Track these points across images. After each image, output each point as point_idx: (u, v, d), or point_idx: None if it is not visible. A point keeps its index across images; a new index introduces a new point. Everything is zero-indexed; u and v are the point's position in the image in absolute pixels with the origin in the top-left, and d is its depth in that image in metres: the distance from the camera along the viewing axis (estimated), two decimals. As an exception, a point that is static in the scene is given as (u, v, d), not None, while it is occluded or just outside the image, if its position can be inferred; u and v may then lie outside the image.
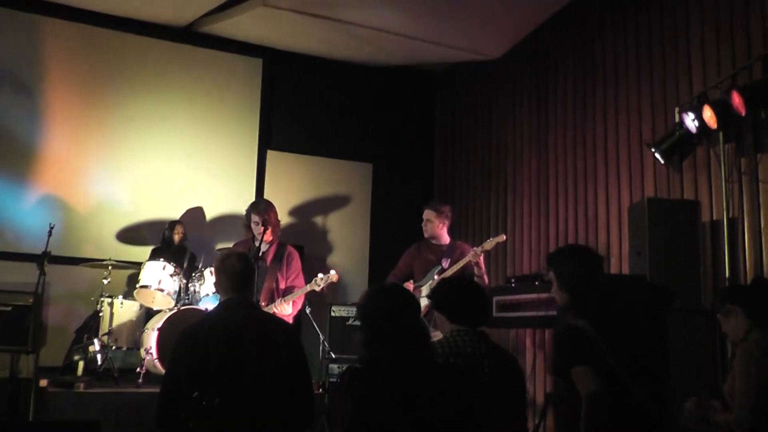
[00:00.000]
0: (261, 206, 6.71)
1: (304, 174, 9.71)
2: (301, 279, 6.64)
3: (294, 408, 3.76)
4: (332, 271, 6.45)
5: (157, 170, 8.98)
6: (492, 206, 9.16)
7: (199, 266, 7.61)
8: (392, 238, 9.20)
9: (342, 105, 9.99)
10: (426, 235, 6.85)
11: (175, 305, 7.27)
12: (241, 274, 3.99)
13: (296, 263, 6.70)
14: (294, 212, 9.54)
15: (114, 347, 7.33)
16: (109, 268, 7.52)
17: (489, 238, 6.63)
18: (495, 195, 9.13)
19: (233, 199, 9.12)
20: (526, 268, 8.38)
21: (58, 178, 8.56)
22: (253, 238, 6.68)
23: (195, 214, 9.07)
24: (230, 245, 8.07)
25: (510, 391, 3.70)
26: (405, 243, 7.39)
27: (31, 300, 7.57)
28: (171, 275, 7.34)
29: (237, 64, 9.57)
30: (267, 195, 9.20)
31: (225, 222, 9.12)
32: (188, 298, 7.32)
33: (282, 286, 6.57)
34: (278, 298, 6.47)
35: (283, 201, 9.02)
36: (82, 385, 6.41)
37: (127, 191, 8.82)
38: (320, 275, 6.42)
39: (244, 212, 6.86)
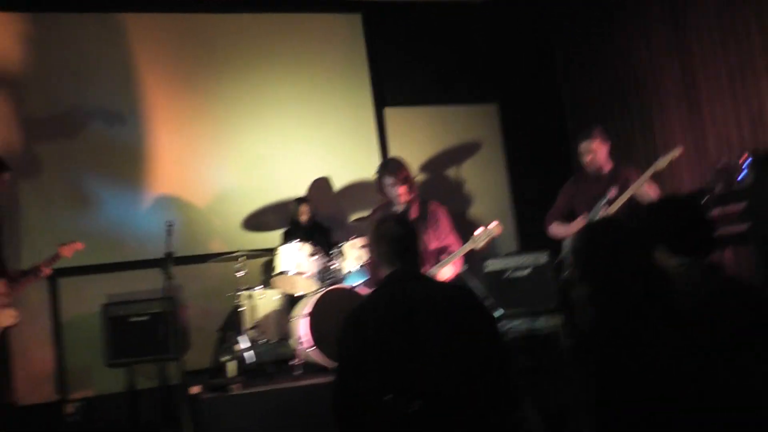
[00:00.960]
0: (391, 166, 6.05)
1: (426, 126, 8.98)
2: (454, 235, 5.95)
3: (494, 396, 3.03)
4: (494, 223, 5.69)
5: (272, 149, 8.40)
6: (636, 126, 8.29)
7: (337, 242, 6.97)
8: (533, 178, 8.57)
9: (453, 47, 9.17)
10: (592, 168, 6.11)
11: (320, 287, 6.70)
12: (403, 240, 3.31)
13: (444, 219, 6.03)
14: (424, 168, 8.84)
15: (262, 341, 6.82)
16: (241, 259, 6.99)
17: (660, 156, 5.83)
18: (637, 113, 8.26)
19: (358, 165, 8.51)
20: (687, 186, 7.54)
21: (171, 177, 8.10)
22: (389, 202, 6.04)
23: (321, 187, 8.48)
24: (365, 214, 7.52)
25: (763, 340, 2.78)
26: (548, 181, 6.83)
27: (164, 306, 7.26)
28: (309, 256, 6.74)
29: (335, 23, 8.90)
30: (392, 154, 8.50)
31: (355, 191, 8.51)
32: (331, 278, 6.73)
33: (432, 246, 5.90)
34: (429, 262, 5.81)
35: (410, 158, 8.17)
36: (236, 386, 5.89)
37: (244, 177, 8.27)
38: (479, 230, 5.68)
39: (373, 177, 6.23)
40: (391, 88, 8.93)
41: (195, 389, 5.98)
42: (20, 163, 7.45)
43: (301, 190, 8.27)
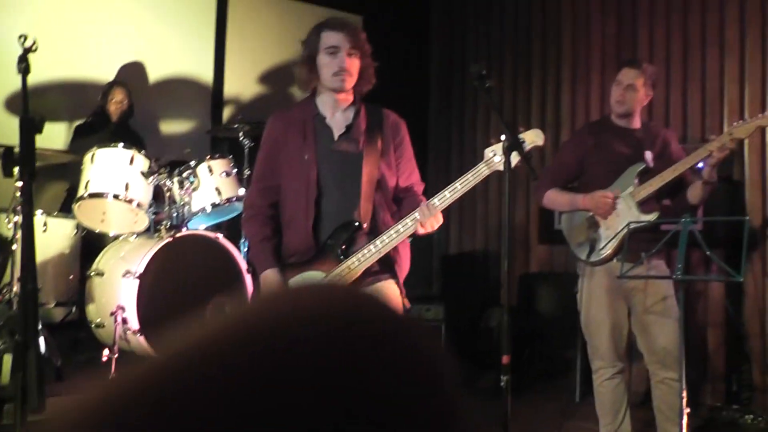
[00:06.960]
0: (349, 25, 3.12)
1: (276, 19, 6.41)
2: (416, 170, 3.29)
3: None
4: (535, 132, 3.05)
5: (63, 5, 5.45)
6: (535, 81, 6.48)
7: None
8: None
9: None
10: (621, 110, 3.92)
11: (152, 227, 4.13)
12: None
13: (408, 139, 3.30)
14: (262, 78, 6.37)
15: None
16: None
17: (738, 122, 3.79)
18: (539, 59, 6.46)
19: (186, 52, 5.91)
20: None
21: None
22: (315, 93, 3.21)
23: (132, 74, 5.62)
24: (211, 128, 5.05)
25: None
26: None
27: None
28: (143, 173, 4.09)
29: None
30: (231, 43, 6.14)
31: (176, 87, 5.86)
32: (174, 215, 4.15)
33: (392, 182, 3.19)
34: (386, 203, 3.14)
35: (248, 54, 6.19)
36: None
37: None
38: (493, 148, 3.04)
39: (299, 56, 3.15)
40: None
41: None
42: None
43: (106, 72, 5.47)
